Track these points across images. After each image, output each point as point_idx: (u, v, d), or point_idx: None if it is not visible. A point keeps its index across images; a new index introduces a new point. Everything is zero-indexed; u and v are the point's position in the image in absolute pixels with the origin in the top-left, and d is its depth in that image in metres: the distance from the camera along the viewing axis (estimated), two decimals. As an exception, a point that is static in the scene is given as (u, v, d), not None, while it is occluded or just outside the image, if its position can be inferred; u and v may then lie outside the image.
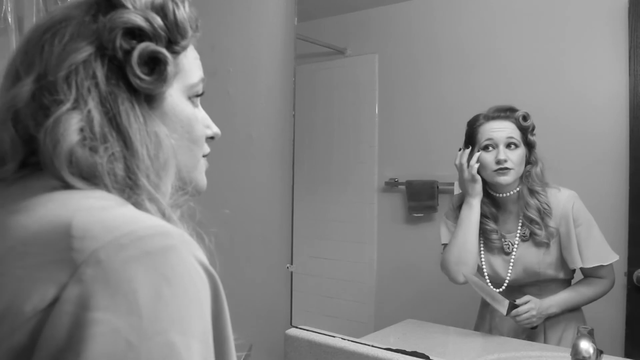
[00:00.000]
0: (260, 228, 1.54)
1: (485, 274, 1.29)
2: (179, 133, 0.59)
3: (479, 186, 1.29)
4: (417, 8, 1.50)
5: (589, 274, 1.22)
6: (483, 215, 1.29)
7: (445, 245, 1.36)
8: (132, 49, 0.53)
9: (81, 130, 0.50)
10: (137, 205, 0.51)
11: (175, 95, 0.59)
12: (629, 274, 1.14)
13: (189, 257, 0.46)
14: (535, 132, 1.25)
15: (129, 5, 0.54)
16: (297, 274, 1.51)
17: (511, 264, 1.26)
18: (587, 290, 1.23)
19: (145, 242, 0.44)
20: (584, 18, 1.26)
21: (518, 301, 1.23)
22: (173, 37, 0.56)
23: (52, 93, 0.51)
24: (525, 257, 1.25)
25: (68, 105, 0.50)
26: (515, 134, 1.25)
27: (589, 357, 1.03)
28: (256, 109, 1.53)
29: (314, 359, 1.37)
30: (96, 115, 0.51)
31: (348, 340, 1.35)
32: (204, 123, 0.65)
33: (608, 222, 1.20)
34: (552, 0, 1.31)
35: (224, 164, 1.52)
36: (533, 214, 1.23)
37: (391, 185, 1.54)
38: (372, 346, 1.29)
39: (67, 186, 0.49)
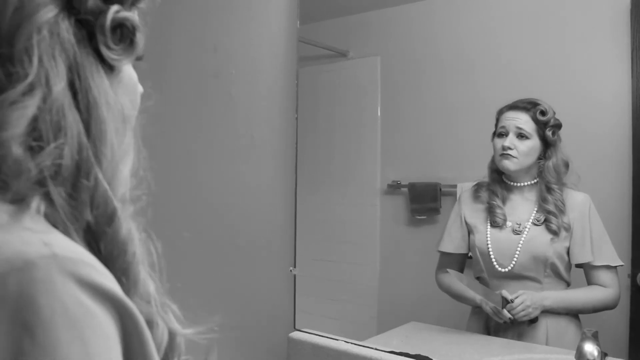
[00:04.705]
0: (263, 231, 1.54)
1: (491, 254, 1.30)
2: (132, 105, 0.51)
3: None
4: (419, 10, 1.50)
5: (594, 281, 1.22)
6: (493, 194, 1.33)
7: (444, 252, 1.41)
8: (101, 12, 0.45)
9: (34, 119, 0.40)
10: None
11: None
12: (633, 276, 1.14)
13: (64, 285, 0.36)
14: (556, 130, 1.26)
15: None
16: (300, 277, 1.51)
17: (520, 243, 1.27)
18: (586, 292, 1.23)
19: None
20: (586, 19, 1.26)
21: (510, 297, 1.25)
22: None
23: (7, 65, 0.41)
24: (536, 239, 1.26)
25: (27, 82, 0.41)
26: (528, 126, 1.27)
27: (593, 360, 1.03)
28: (258, 111, 1.53)
29: (317, 361, 1.37)
30: (60, 97, 0.42)
31: (351, 343, 1.34)
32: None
33: (611, 224, 1.19)
34: (554, 2, 1.31)
35: (226, 166, 1.51)
36: (550, 207, 1.26)
37: (394, 187, 1.54)
38: (375, 349, 1.29)
39: None
